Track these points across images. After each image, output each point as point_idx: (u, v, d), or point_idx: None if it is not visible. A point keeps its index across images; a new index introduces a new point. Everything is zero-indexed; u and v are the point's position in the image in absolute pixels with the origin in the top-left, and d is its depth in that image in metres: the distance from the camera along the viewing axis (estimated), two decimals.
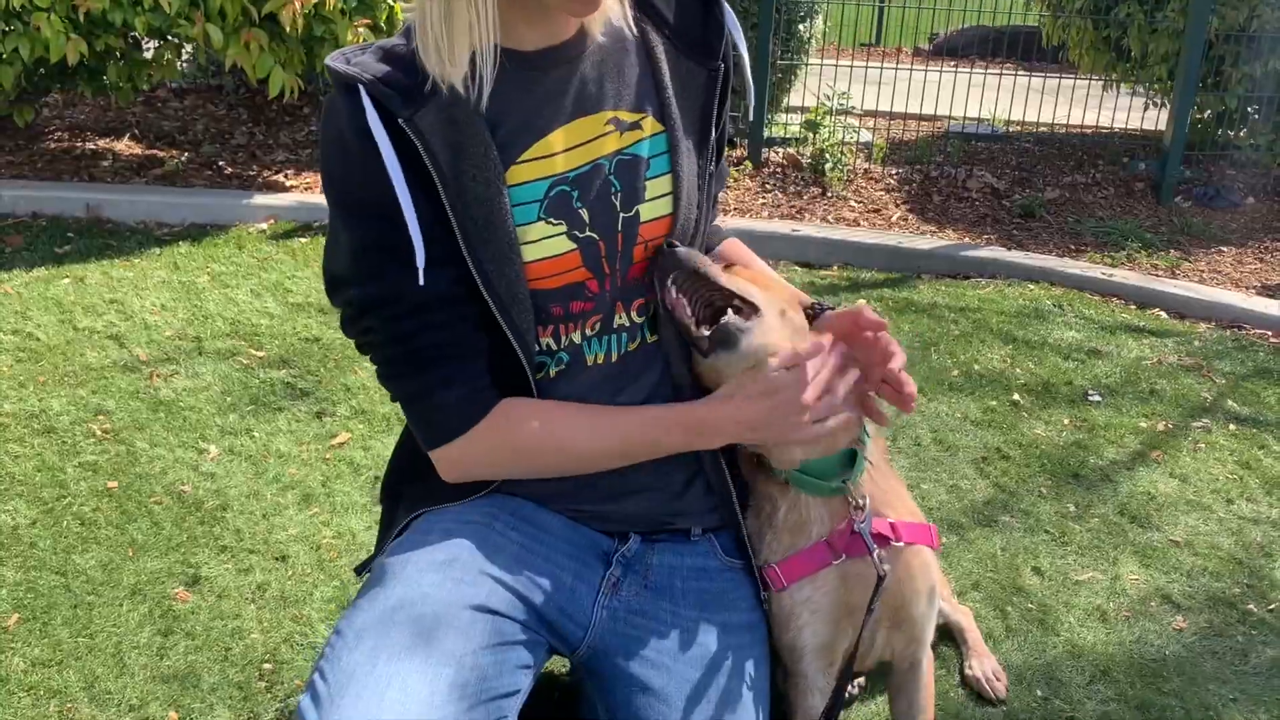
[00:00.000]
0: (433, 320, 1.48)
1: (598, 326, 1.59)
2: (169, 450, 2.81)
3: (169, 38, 4.84)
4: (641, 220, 1.58)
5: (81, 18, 4.31)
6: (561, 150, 1.52)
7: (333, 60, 1.44)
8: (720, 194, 1.84)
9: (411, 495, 1.69)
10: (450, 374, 1.50)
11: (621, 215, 1.56)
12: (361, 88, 1.41)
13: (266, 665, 2.08)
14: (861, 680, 2.10)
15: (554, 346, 1.57)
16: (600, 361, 1.61)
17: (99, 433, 2.87)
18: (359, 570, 1.77)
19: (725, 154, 1.83)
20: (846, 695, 1.86)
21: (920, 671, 1.76)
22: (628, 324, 1.62)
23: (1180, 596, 2.48)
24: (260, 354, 3.39)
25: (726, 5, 1.62)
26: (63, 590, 2.25)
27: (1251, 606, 2.45)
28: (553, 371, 1.59)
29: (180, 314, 3.66)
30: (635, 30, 1.58)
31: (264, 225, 4.64)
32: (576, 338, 1.58)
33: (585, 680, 1.67)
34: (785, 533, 1.70)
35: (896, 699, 1.78)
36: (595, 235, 1.54)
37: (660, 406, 1.58)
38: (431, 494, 1.64)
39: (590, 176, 1.54)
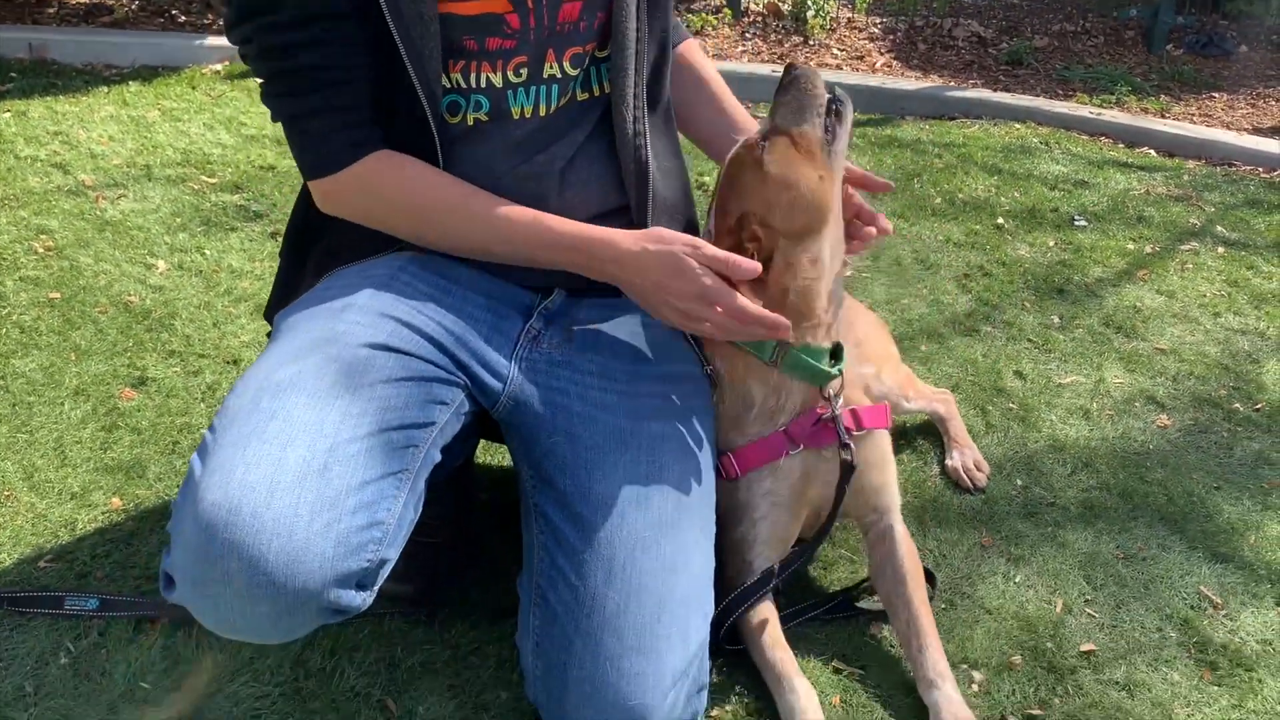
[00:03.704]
0: (313, 37, 1.34)
1: (524, 74, 1.45)
2: (115, 265, 2.67)
3: None
4: None
5: None
6: None
7: None
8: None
9: (317, 254, 1.57)
10: (328, 101, 1.37)
11: None
12: None
13: None
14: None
15: (465, 85, 1.43)
16: (528, 115, 1.47)
17: (40, 250, 2.72)
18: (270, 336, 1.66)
19: None
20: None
21: (895, 540, 1.66)
22: (559, 75, 1.47)
23: (1165, 397, 2.41)
24: (212, 180, 3.23)
25: None
26: (1, 392, 2.14)
27: (1238, 406, 2.39)
28: (470, 118, 1.45)
29: (129, 145, 3.48)
30: None
31: (218, 67, 4.43)
32: (496, 80, 1.43)
33: (509, 440, 1.57)
34: (754, 423, 1.62)
35: (880, 575, 1.66)
36: None
37: (553, 218, 1.43)
38: (336, 252, 1.53)
39: None
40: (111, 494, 1.87)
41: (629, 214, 1.55)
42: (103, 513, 1.83)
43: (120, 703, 1.46)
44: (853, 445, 1.58)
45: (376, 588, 1.25)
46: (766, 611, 1.58)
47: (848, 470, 1.56)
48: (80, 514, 1.82)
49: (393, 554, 1.26)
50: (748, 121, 1.74)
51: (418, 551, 1.58)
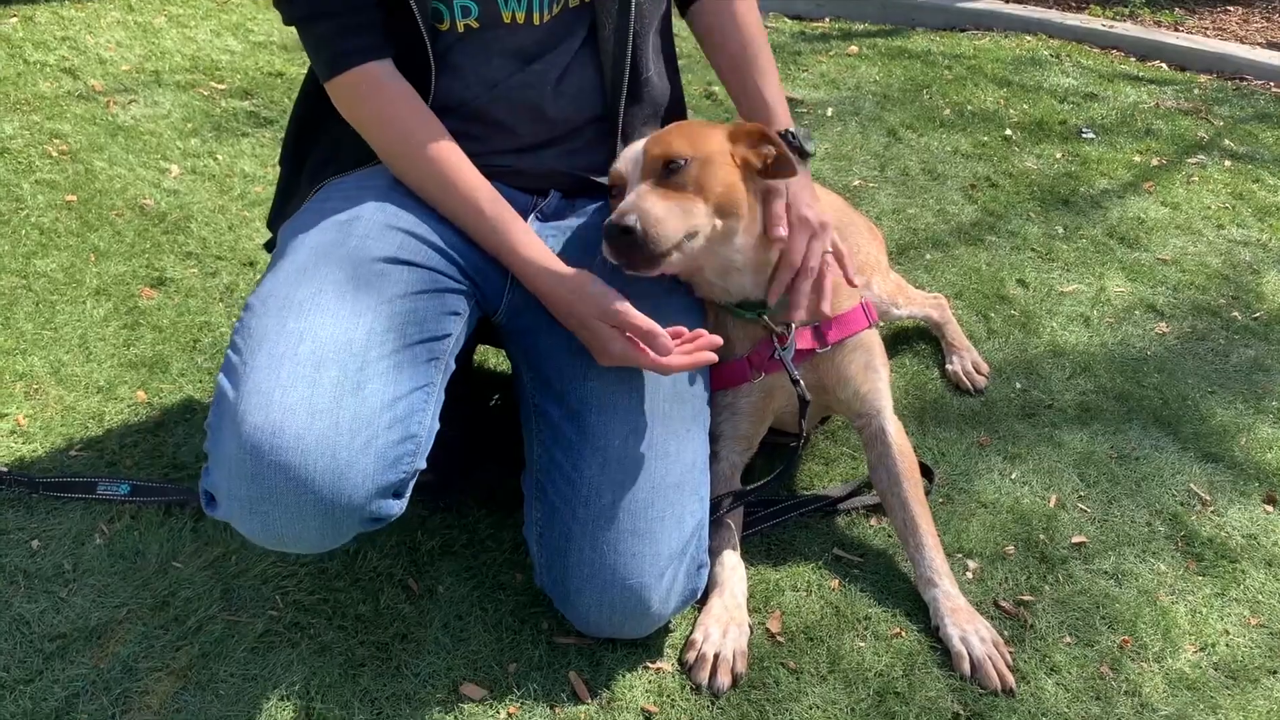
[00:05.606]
0: None
1: None
2: (129, 170, 2.70)
3: None
4: None
5: None
6: None
7: None
8: None
9: (314, 160, 1.59)
10: (333, 3, 1.39)
11: None
12: None
13: None
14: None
15: None
16: (520, 21, 1.48)
17: (55, 154, 2.75)
18: (267, 246, 1.69)
19: None
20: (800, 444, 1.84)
21: (888, 443, 1.68)
22: None
23: (1165, 306, 2.45)
24: (221, 86, 3.23)
25: None
26: (24, 290, 2.18)
27: (1236, 314, 2.43)
28: (460, 24, 1.47)
29: (136, 50, 3.47)
30: None
31: None
32: None
33: (507, 345, 1.62)
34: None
35: (876, 475, 1.69)
36: None
37: (513, 219, 1.45)
38: (334, 159, 1.55)
39: None
40: (136, 388, 1.93)
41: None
42: (128, 405, 1.89)
43: (154, 579, 1.53)
44: (811, 372, 1.61)
45: (409, 494, 1.31)
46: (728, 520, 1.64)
47: (803, 404, 1.58)
48: (107, 406, 1.88)
49: (424, 463, 1.32)
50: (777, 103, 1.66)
51: (435, 442, 1.64)
